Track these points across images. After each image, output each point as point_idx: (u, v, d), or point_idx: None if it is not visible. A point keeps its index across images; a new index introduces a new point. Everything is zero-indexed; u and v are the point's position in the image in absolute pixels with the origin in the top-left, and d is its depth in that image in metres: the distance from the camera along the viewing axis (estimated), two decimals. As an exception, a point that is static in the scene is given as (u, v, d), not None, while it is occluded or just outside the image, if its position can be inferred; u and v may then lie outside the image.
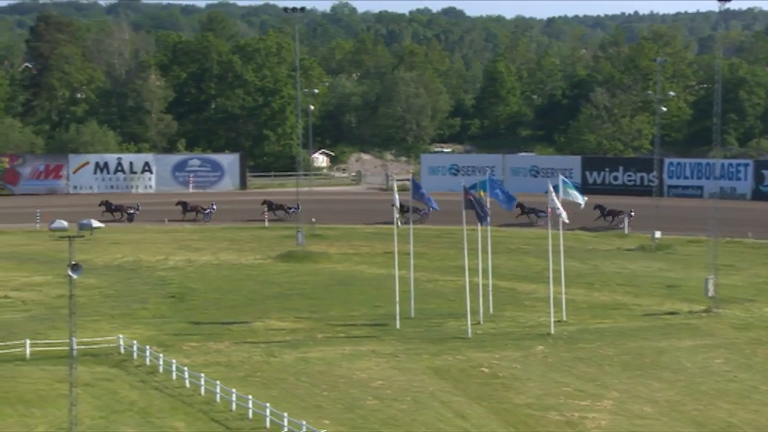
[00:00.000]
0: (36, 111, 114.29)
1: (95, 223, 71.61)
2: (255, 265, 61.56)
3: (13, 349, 40.47)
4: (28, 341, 40.74)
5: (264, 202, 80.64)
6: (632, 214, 74.78)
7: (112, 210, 79.70)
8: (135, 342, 41.33)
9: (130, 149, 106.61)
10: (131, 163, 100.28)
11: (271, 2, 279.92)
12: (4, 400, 35.37)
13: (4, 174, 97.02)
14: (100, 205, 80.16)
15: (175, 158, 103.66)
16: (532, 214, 75.81)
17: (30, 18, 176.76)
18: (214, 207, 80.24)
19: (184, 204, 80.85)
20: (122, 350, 41.41)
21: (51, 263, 59.26)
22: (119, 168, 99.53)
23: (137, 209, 79.90)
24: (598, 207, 75.30)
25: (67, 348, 35.07)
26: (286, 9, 79.67)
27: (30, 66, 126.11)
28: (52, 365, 39.01)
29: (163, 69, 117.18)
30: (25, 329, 44.00)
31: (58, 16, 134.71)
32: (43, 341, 41.30)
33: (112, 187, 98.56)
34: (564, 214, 46.60)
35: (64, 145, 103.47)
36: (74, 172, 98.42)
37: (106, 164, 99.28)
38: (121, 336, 42.23)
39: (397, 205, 48.42)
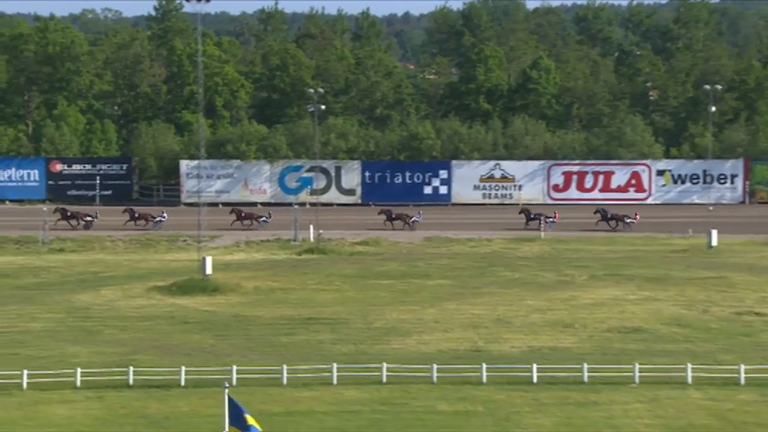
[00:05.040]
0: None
1: None
2: None
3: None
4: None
5: (232, 211, 78.96)
6: (637, 217, 75.04)
7: (68, 218, 78.21)
8: None
9: None
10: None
11: None
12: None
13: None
14: (54, 212, 78.01)
15: None
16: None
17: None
18: (165, 215, 77.55)
19: (131, 211, 78.59)
20: None
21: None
22: None
23: (95, 216, 78.14)
24: (598, 211, 76.61)
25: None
26: None
27: None
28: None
29: None
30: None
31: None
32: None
33: None
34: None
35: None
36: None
37: None
38: None
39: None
